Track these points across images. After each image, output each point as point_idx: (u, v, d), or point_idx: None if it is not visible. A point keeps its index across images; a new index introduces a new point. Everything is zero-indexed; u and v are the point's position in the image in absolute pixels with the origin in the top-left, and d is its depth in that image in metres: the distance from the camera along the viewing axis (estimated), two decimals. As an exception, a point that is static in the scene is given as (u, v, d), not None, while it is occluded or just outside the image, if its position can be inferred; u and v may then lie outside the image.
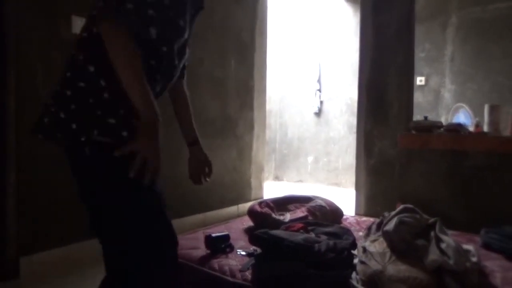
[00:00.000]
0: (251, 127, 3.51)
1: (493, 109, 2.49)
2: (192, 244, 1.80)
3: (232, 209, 3.25)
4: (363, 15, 3.03)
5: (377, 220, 1.81)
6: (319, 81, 5.25)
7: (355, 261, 1.50)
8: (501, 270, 1.54)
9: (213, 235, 1.79)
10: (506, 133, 2.44)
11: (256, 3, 3.48)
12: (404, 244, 1.46)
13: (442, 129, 2.58)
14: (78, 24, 2.07)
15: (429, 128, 2.59)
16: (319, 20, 5.29)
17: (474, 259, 1.45)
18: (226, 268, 1.51)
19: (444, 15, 4.08)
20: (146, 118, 0.99)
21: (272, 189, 4.49)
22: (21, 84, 1.90)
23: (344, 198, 3.66)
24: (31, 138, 1.92)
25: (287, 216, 2.18)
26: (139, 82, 1.00)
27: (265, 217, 2.15)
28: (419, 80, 4.18)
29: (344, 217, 2.47)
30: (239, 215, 3.07)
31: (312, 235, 1.61)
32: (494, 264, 1.59)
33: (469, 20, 3.93)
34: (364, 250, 1.51)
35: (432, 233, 1.49)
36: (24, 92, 1.91)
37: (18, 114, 1.90)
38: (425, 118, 2.76)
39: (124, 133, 1.03)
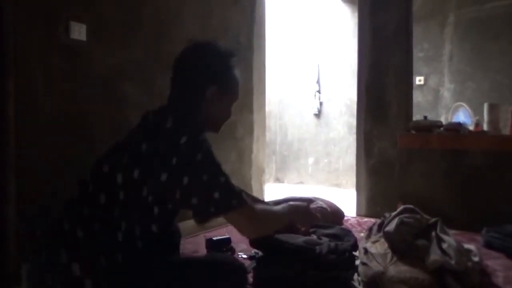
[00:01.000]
0: (250, 129, 3.51)
1: (492, 108, 2.49)
2: (193, 248, 1.80)
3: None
4: (361, 16, 3.03)
5: (378, 221, 1.81)
6: (318, 82, 5.25)
7: (357, 262, 1.51)
8: (503, 269, 1.54)
9: (214, 238, 1.79)
10: (505, 132, 2.44)
11: (254, 5, 3.48)
12: (405, 245, 1.46)
13: (441, 128, 2.58)
14: (76, 29, 2.07)
15: (429, 127, 2.59)
16: (317, 21, 5.29)
17: (475, 259, 1.45)
18: (228, 271, 1.51)
19: (442, 15, 4.09)
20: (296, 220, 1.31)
21: (273, 191, 4.49)
22: (20, 90, 1.90)
23: (345, 199, 3.65)
24: (31, 143, 1.93)
25: (288, 218, 2.18)
26: (283, 220, 1.21)
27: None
28: (418, 80, 4.18)
29: (346, 218, 2.47)
30: (240, 218, 3.06)
31: (314, 237, 1.61)
32: (495, 263, 1.59)
33: (467, 19, 3.93)
34: (366, 251, 1.51)
35: (433, 233, 1.49)
36: (23, 98, 1.91)
37: (18, 119, 1.90)
38: (425, 117, 2.76)
39: (119, 256, 1.00)
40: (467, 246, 1.56)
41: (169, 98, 1.17)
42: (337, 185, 5.13)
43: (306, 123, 5.43)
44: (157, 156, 1.00)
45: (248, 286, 1.40)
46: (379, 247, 1.51)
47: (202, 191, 1.01)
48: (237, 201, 1.02)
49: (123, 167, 1.03)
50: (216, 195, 1.00)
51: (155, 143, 1.02)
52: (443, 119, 3.58)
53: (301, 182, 5.48)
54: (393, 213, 1.61)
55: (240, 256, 1.70)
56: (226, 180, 1.03)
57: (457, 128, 2.49)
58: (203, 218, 1.02)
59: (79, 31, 2.10)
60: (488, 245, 1.86)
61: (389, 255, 1.44)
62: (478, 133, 2.45)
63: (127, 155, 1.05)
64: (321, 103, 5.27)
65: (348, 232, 1.65)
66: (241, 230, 1.09)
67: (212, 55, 1.16)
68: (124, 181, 1.02)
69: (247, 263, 1.60)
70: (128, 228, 1.01)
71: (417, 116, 3.23)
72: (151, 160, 1.00)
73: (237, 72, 1.22)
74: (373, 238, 1.64)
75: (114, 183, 1.04)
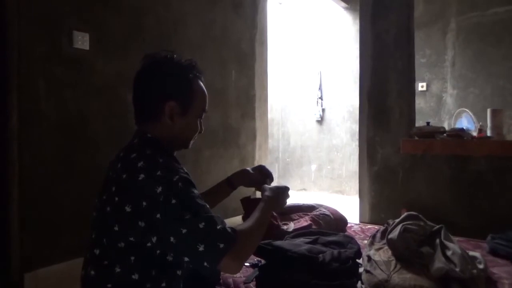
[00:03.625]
0: (253, 137, 3.51)
1: (495, 113, 2.48)
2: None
3: (236, 220, 3.24)
4: (362, 23, 3.04)
5: (382, 227, 1.80)
6: (320, 89, 5.26)
7: (360, 270, 1.49)
8: (509, 276, 1.52)
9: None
10: (509, 137, 2.43)
11: (255, 13, 3.50)
12: (409, 252, 1.45)
13: (444, 134, 2.57)
14: (79, 39, 2.09)
15: (432, 133, 2.58)
16: (319, 28, 5.32)
17: (481, 266, 1.44)
18: (230, 280, 1.50)
19: (443, 21, 4.10)
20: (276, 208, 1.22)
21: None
22: (23, 99, 1.92)
23: (349, 205, 3.64)
24: (34, 152, 1.93)
25: (291, 226, 2.17)
26: (265, 224, 1.10)
27: (268, 227, 2.14)
28: (421, 86, 4.18)
29: (349, 225, 2.45)
30: (243, 225, 3.04)
31: (318, 245, 1.60)
32: (501, 271, 1.57)
33: (469, 24, 3.94)
34: (369, 259, 1.50)
35: (437, 240, 1.48)
36: (26, 107, 1.92)
37: (20, 129, 1.91)
38: (428, 123, 2.75)
39: None
40: (472, 253, 1.55)
41: (134, 119, 1.12)
42: (340, 192, 5.11)
43: (308, 130, 5.43)
44: (127, 202, 0.95)
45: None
46: (382, 254, 1.50)
47: (184, 249, 0.93)
48: (224, 245, 0.91)
49: (103, 212, 1.00)
50: (201, 247, 0.90)
51: (123, 185, 0.97)
52: (446, 125, 3.58)
53: (304, 189, 5.46)
54: (397, 220, 1.60)
55: (243, 264, 1.69)
56: (206, 223, 0.92)
57: (460, 134, 2.48)
58: (205, 272, 0.95)
59: (82, 40, 2.12)
60: (494, 252, 1.84)
61: (393, 263, 1.43)
62: (482, 138, 2.44)
63: (105, 198, 1.01)
64: (323, 110, 5.28)
65: (351, 240, 1.64)
66: (231, 273, 1.03)
67: (167, 70, 1.09)
68: (105, 229, 0.99)
69: (250, 271, 1.59)
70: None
71: (420, 122, 3.22)
72: (122, 207, 0.95)
73: (199, 84, 1.13)
74: (376, 245, 1.63)
75: (99, 229, 1.02)
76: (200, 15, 2.90)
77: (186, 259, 0.94)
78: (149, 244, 0.95)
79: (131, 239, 0.95)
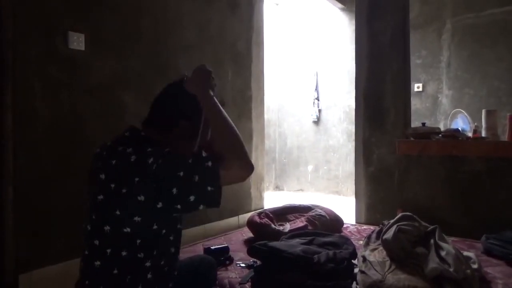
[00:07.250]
0: (249, 137, 3.51)
1: (490, 114, 2.49)
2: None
3: (233, 220, 3.24)
4: (358, 24, 3.05)
5: (377, 228, 1.81)
6: (316, 89, 5.27)
7: (355, 270, 1.50)
8: (502, 276, 1.53)
9: (212, 247, 1.79)
10: (503, 138, 2.44)
11: (252, 13, 3.51)
12: (403, 253, 1.45)
13: (440, 135, 2.58)
14: (75, 39, 2.08)
15: (427, 134, 2.59)
16: (315, 29, 5.32)
17: (475, 266, 1.44)
18: (226, 281, 1.50)
19: (439, 22, 4.11)
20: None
21: (272, 199, 4.48)
22: (18, 100, 1.91)
23: (345, 206, 3.64)
24: (29, 152, 1.92)
25: (287, 226, 2.18)
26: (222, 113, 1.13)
27: (264, 228, 2.15)
28: (417, 87, 4.19)
29: (345, 225, 2.46)
30: (239, 226, 3.04)
31: (313, 246, 1.60)
32: (495, 271, 1.58)
33: (464, 26, 3.96)
34: (364, 259, 1.50)
35: (432, 241, 1.49)
36: (21, 108, 1.92)
37: (15, 130, 1.91)
38: (423, 124, 2.76)
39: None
40: (466, 253, 1.56)
41: (146, 122, 1.15)
42: (337, 193, 5.12)
43: (305, 131, 5.43)
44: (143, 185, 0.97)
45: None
46: (377, 255, 1.50)
47: (186, 189, 0.96)
48: (211, 161, 0.97)
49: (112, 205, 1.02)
50: (196, 178, 0.96)
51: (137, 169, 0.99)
52: (441, 126, 3.58)
53: (301, 190, 5.47)
54: (391, 221, 1.61)
55: (238, 265, 1.69)
56: (193, 158, 0.98)
57: (455, 134, 2.49)
58: (215, 198, 0.99)
59: (77, 41, 2.11)
60: (488, 252, 1.85)
61: (388, 263, 1.43)
62: (476, 139, 2.45)
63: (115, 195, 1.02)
64: (320, 111, 5.29)
65: (346, 240, 1.64)
66: (244, 174, 1.04)
67: (191, 100, 1.16)
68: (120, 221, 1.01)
69: (246, 272, 1.59)
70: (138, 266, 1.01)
71: (415, 123, 3.23)
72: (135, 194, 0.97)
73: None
74: (371, 246, 1.64)
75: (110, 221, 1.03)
76: (197, 15, 2.90)
77: (191, 198, 0.96)
78: (155, 227, 0.99)
79: (136, 218, 0.97)
